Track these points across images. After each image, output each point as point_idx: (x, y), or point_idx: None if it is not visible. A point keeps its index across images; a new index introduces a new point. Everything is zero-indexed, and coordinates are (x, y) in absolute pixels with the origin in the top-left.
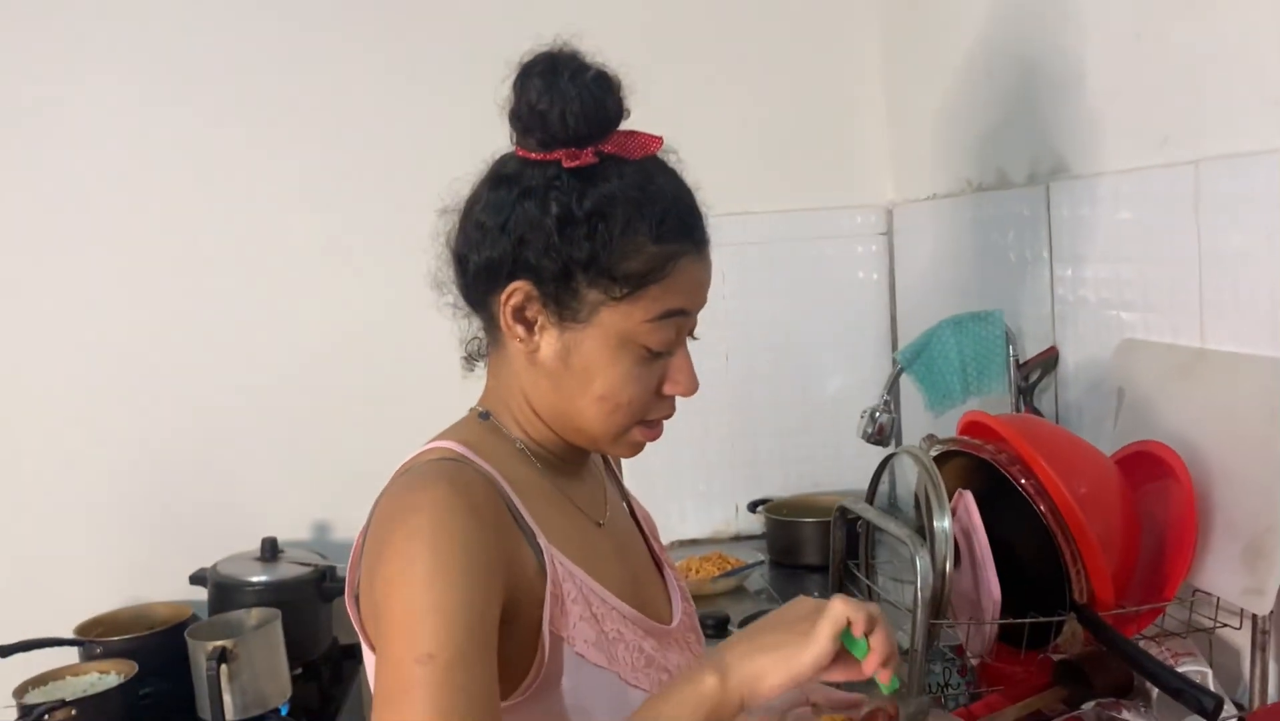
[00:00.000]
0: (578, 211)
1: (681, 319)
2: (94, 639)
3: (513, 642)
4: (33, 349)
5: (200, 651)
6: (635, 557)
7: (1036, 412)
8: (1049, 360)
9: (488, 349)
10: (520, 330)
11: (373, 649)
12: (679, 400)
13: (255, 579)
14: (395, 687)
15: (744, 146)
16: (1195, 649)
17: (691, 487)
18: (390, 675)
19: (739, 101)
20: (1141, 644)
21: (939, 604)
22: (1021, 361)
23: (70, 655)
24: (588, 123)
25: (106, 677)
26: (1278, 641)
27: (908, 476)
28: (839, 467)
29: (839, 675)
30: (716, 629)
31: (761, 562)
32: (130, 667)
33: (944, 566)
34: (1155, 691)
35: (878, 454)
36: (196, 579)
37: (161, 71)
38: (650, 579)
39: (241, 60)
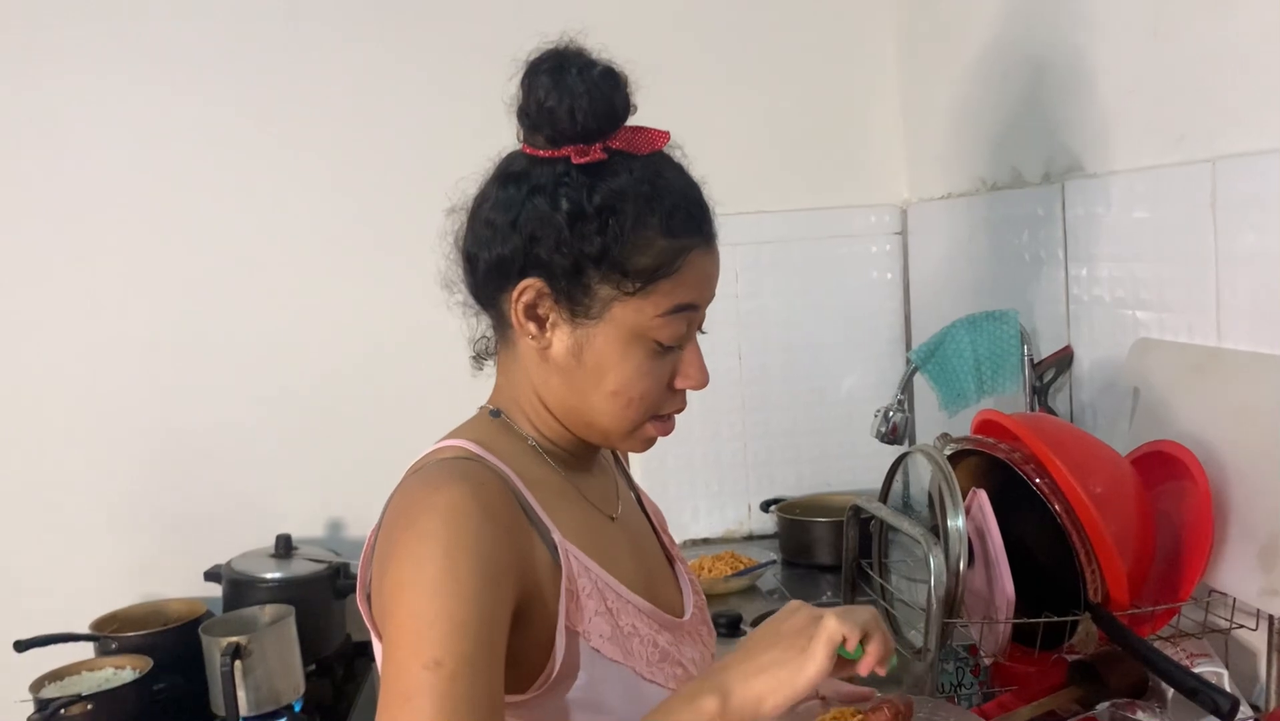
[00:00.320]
0: (588, 207)
1: (692, 313)
2: (109, 634)
3: (528, 638)
4: (50, 348)
5: (214, 647)
6: (648, 551)
7: (1051, 412)
8: (1064, 359)
9: (497, 347)
10: (532, 327)
11: (379, 637)
12: (692, 397)
13: (269, 576)
14: (400, 692)
15: (759, 145)
16: (1211, 649)
17: (704, 487)
18: (395, 679)
19: (754, 101)
20: (1156, 644)
21: (952, 603)
22: (1036, 361)
23: (86, 650)
24: (596, 119)
25: (121, 673)
26: None
27: (921, 476)
28: (852, 467)
29: (837, 673)
30: (729, 628)
31: (774, 562)
32: (145, 663)
33: (958, 565)
34: (1170, 692)
35: (891, 453)
36: (211, 575)
37: (176, 78)
38: (662, 572)
39: (254, 65)
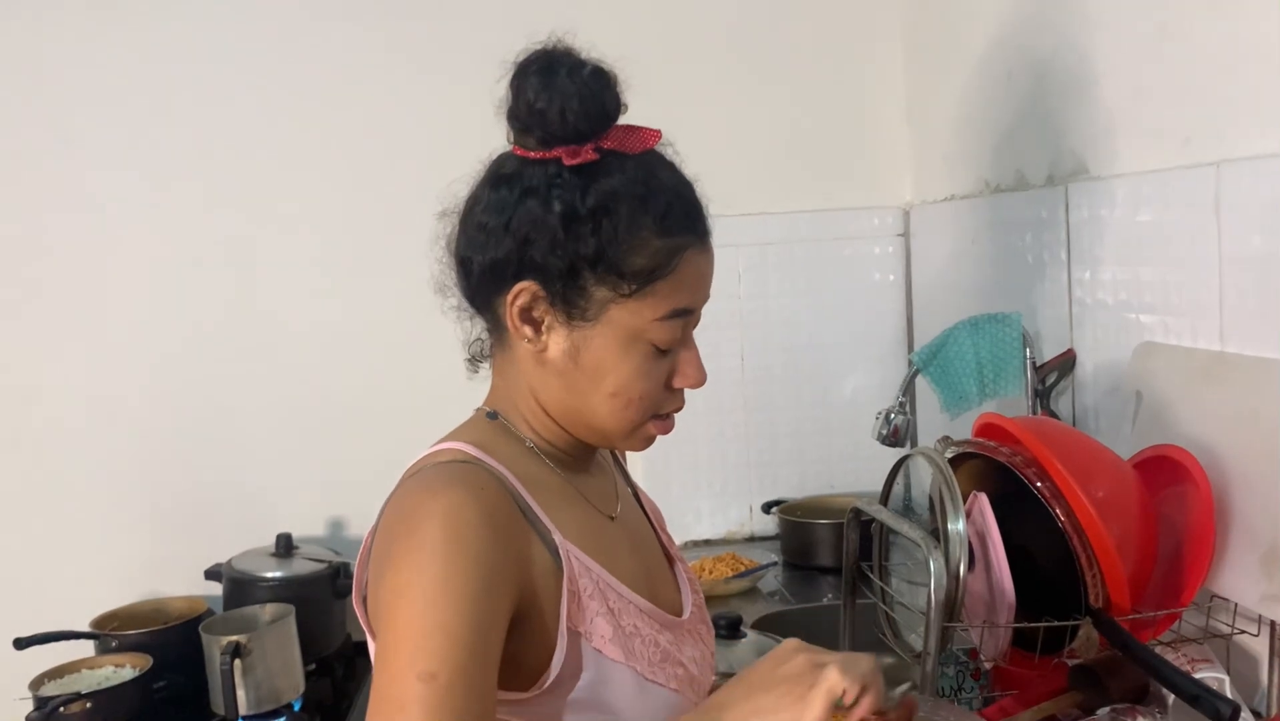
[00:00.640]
0: (582, 208)
1: (689, 316)
2: (109, 632)
3: (529, 639)
4: (50, 347)
5: (214, 646)
6: (647, 550)
7: (1053, 415)
8: (1066, 363)
9: (492, 350)
10: (528, 330)
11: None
12: (694, 397)
13: (270, 574)
14: (392, 701)
15: (763, 147)
16: (1212, 655)
17: (706, 488)
18: (388, 687)
19: (758, 102)
20: (1158, 649)
21: (952, 607)
22: (1038, 364)
23: (86, 648)
24: (587, 119)
25: (121, 671)
26: None
27: (922, 478)
28: (855, 469)
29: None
30: (729, 629)
31: (775, 564)
32: (145, 661)
33: (958, 569)
34: (1171, 697)
35: (892, 455)
36: (212, 574)
37: (176, 80)
38: (661, 571)
39: (253, 66)
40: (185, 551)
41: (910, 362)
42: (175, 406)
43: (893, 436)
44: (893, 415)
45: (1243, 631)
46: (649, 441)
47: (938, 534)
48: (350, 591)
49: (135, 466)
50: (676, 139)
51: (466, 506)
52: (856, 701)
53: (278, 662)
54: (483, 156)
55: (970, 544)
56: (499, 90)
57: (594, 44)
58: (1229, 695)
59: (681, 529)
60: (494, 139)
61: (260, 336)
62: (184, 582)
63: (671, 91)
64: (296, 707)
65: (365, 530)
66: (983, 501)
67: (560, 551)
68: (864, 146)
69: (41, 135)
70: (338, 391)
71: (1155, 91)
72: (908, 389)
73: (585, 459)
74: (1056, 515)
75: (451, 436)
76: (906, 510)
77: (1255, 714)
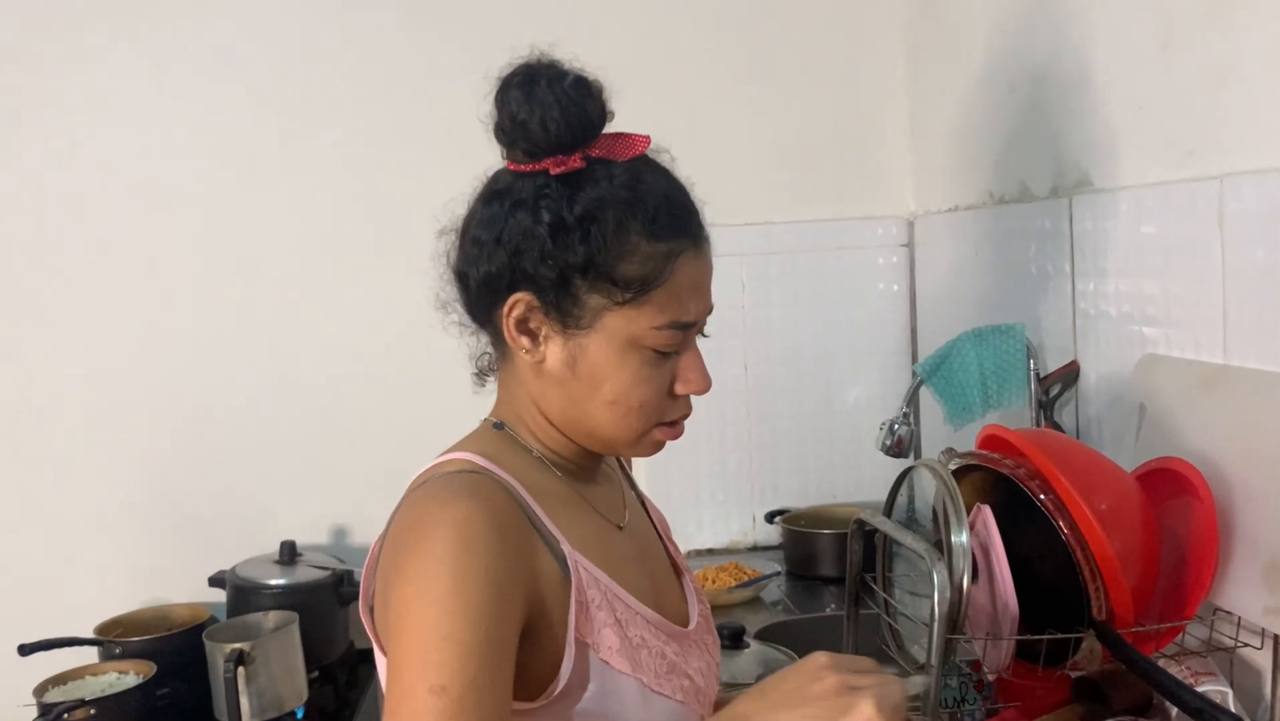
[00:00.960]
0: (569, 217)
1: (689, 329)
2: (113, 639)
3: (537, 649)
4: (53, 352)
5: (218, 653)
6: (654, 560)
7: (1057, 427)
8: (1070, 374)
9: (496, 362)
10: (525, 341)
11: (384, 651)
12: (697, 405)
13: (273, 582)
14: (406, 714)
15: (767, 157)
16: (1215, 668)
17: (709, 497)
18: (402, 701)
19: (763, 113)
20: (1161, 662)
21: (956, 618)
22: (1042, 375)
23: (90, 655)
24: (570, 128)
25: (125, 678)
26: None
27: (926, 489)
28: (857, 479)
29: None
30: (732, 639)
31: (778, 573)
32: (149, 668)
33: (961, 580)
34: (1174, 710)
35: (896, 466)
36: (215, 581)
37: (184, 80)
38: (668, 581)
39: (263, 66)
40: (189, 558)
41: (914, 373)
42: (179, 414)
43: (896, 447)
44: (897, 426)
45: (1246, 644)
46: (657, 447)
47: (941, 545)
48: (354, 599)
49: (139, 473)
50: (680, 149)
51: (475, 516)
52: None
53: (281, 670)
54: (485, 169)
55: (974, 555)
56: (485, 106)
57: (592, 54)
58: (1232, 708)
59: (684, 538)
60: (493, 157)
61: (265, 345)
62: (187, 590)
63: (675, 102)
64: (300, 715)
65: (369, 538)
66: (986, 513)
67: (568, 561)
68: (867, 157)
69: (45, 135)
70: (342, 400)
71: (1158, 104)
72: (911, 399)
73: (592, 468)
74: (1060, 527)
75: (459, 446)
76: (910, 521)
77: None
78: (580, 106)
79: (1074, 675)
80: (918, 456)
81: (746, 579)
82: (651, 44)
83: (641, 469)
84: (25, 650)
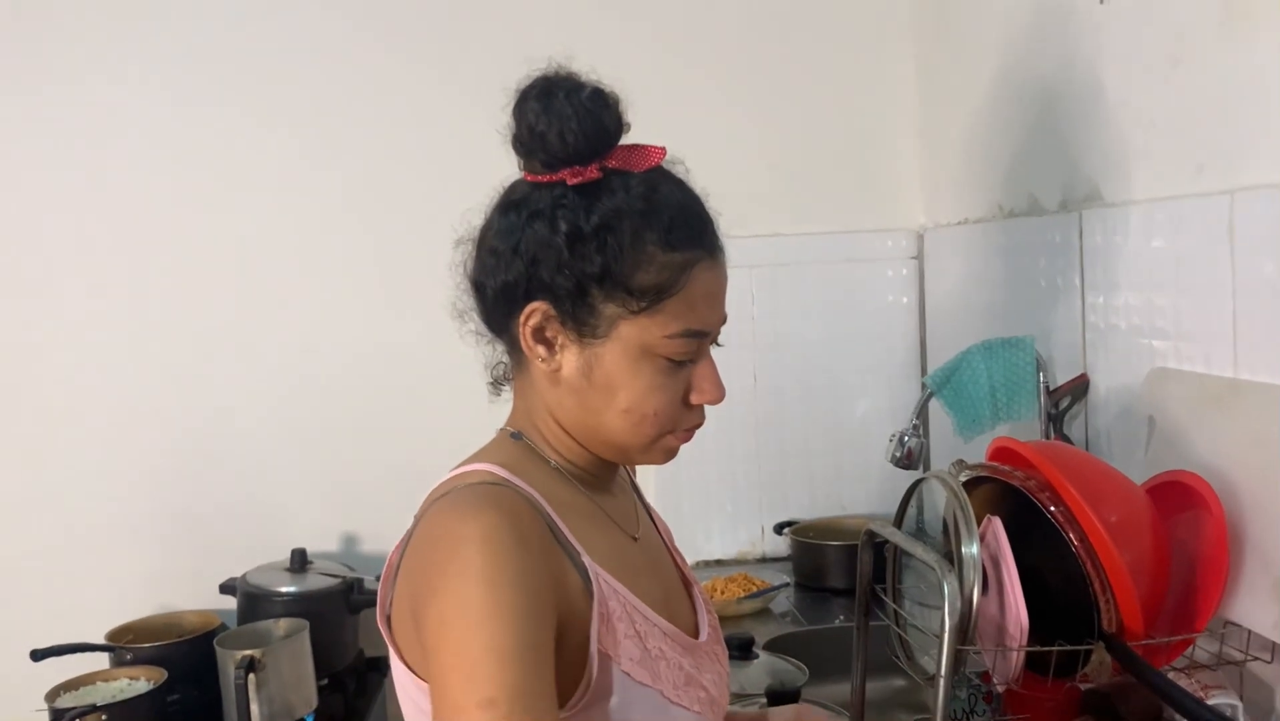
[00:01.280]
0: (585, 227)
1: (702, 338)
2: (125, 645)
3: (560, 662)
4: (65, 358)
5: (229, 660)
6: (665, 571)
7: (1066, 440)
8: (1079, 387)
9: (512, 371)
10: (541, 350)
11: (407, 666)
12: (707, 415)
13: (284, 589)
14: None
15: (778, 169)
16: (1225, 681)
17: (718, 508)
18: (451, 719)
19: (773, 125)
20: (1171, 675)
21: (966, 629)
22: (1052, 388)
23: (101, 660)
24: (587, 140)
25: (136, 684)
26: None
27: (936, 501)
28: (866, 491)
29: None
30: (741, 650)
31: (787, 585)
32: (159, 674)
33: (971, 592)
34: None
35: (906, 478)
36: (226, 588)
37: (192, 83)
38: (678, 592)
39: (271, 72)
40: (200, 565)
41: (924, 385)
42: (190, 421)
43: (906, 459)
44: (906, 437)
45: (1256, 658)
46: (670, 454)
47: (951, 557)
48: (364, 607)
49: (150, 480)
50: (691, 161)
51: (503, 528)
52: None
53: (291, 677)
54: (502, 178)
55: (984, 567)
56: (503, 118)
57: (605, 67)
58: None
59: (693, 549)
60: (514, 160)
61: (277, 352)
62: (198, 596)
63: (686, 114)
64: None
65: (379, 546)
66: (996, 525)
67: (590, 573)
68: (878, 169)
69: (47, 142)
70: (353, 408)
71: (1168, 119)
72: (921, 411)
73: (607, 478)
74: (1070, 539)
75: (478, 457)
76: (919, 533)
77: None
78: (597, 118)
79: (1083, 687)
80: (927, 468)
81: (755, 590)
82: (662, 57)
83: (651, 479)
84: (37, 655)
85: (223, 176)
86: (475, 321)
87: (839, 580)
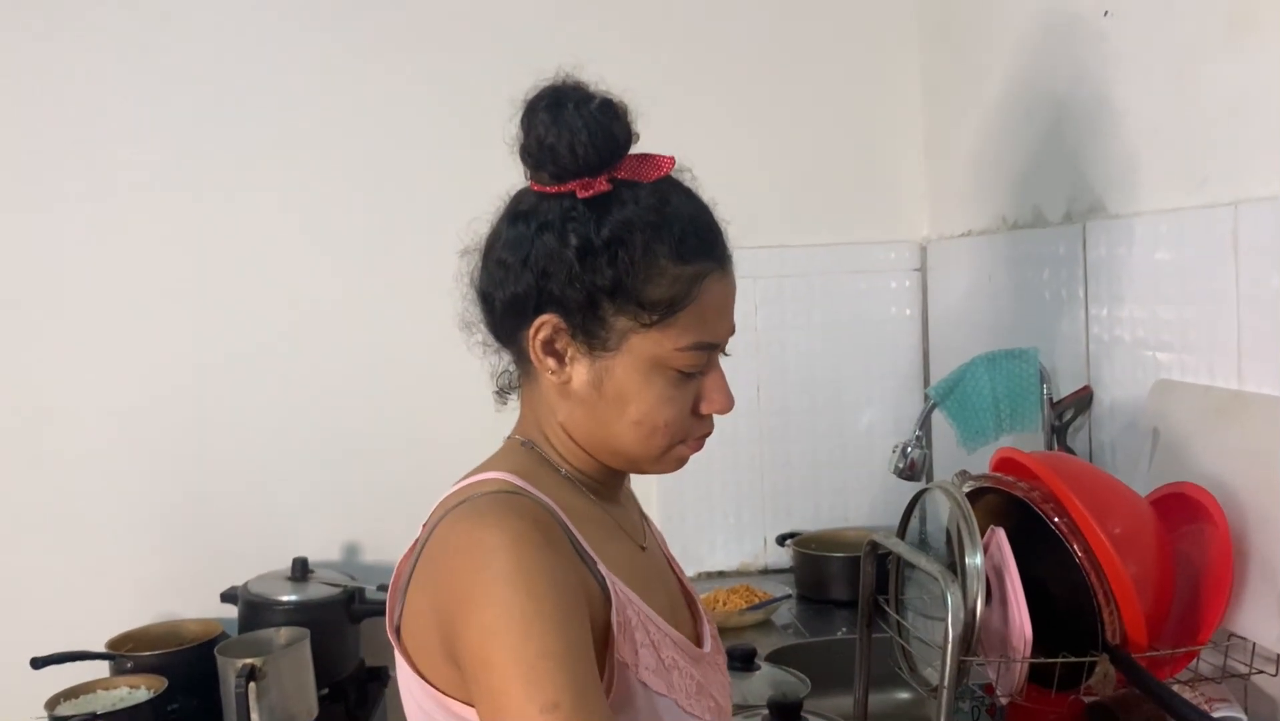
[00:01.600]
0: (596, 240)
1: (712, 350)
2: (125, 653)
3: None
4: (67, 368)
5: (229, 669)
6: (669, 581)
7: (1070, 452)
8: (1083, 399)
9: (519, 381)
10: (551, 363)
11: (420, 675)
12: (712, 426)
13: (285, 598)
14: None
15: (781, 180)
16: (1230, 694)
17: (721, 519)
18: None
19: (776, 135)
20: (1175, 687)
21: (969, 641)
22: (1055, 400)
23: (101, 669)
24: (597, 151)
25: (136, 692)
26: None
27: (939, 513)
28: (870, 502)
29: None
30: (743, 661)
31: (789, 596)
32: (160, 683)
33: (975, 603)
34: None
35: (909, 489)
36: (227, 597)
37: (190, 96)
38: (680, 602)
39: (282, 81)
40: (201, 573)
41: (927, 396)
42: (192, 428)
43: (909, 470)
44: (909, 449)
45: (1260, 671)
46: (681, 463)
47: (955, 568)
48: (365, 616)
49: (152, 488)
50: (695, 171)
51: (530, 535)
52: None
53: (292, 686)
54: (507, 188)
55: (987, 578)
56: (511, 129)
57: (612, 79)
58: None
59: (695, 560)
60: (518, 170)
61: (278, 360)
62: (199, 605)
63: (689, 124)
64: None
65: (381, 556)
66: (1000, 536)
67: (607, 582)
68: (882, 181)
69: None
70: (355, 417)
71: (1173, 131)
72: (924, 423)
73: (616, 487)
74: (1074, 551)
75: (489, 465)
76: (922, 544)
77: None
78: (607, 130)
79: (1087, 700)
80: (930, 479)
81: (757, 601)
82: (662, 66)
83: (654, 490)
84: (37, 663)
85: (227, 184)
86: (482, 332)
87: (841, 592)
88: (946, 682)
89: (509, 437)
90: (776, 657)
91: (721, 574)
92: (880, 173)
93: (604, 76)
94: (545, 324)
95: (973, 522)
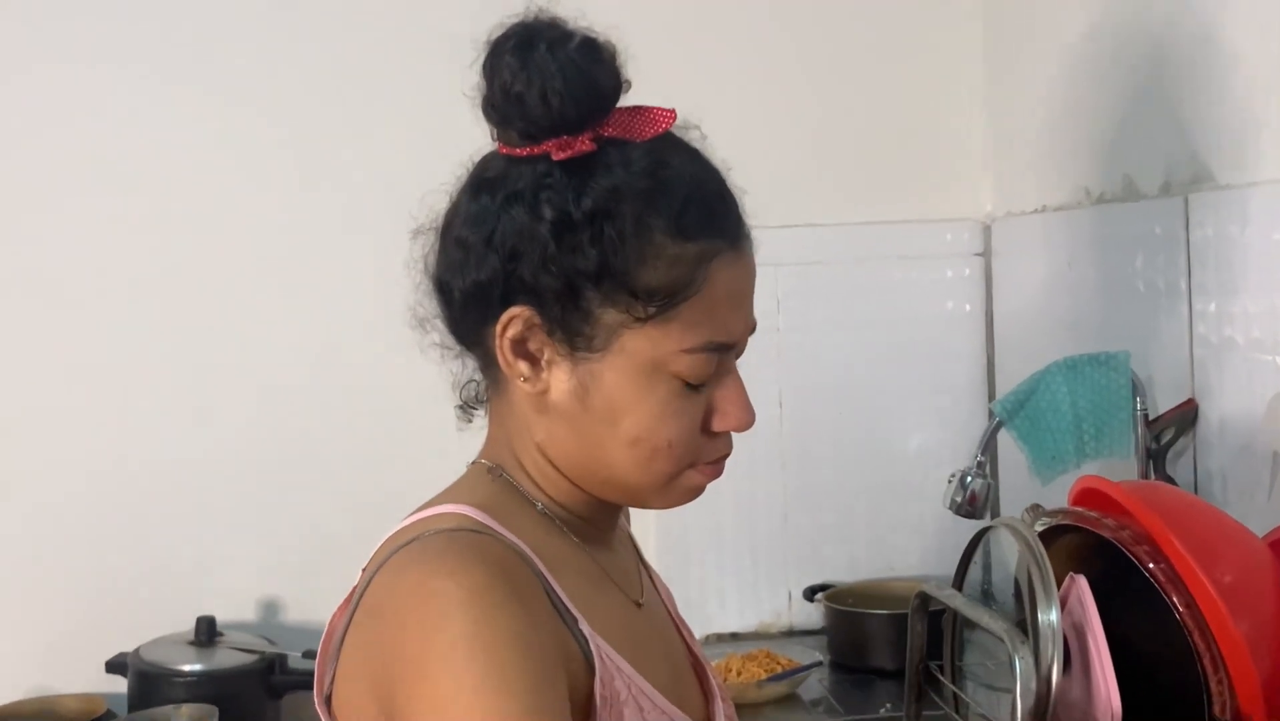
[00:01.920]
0: (576, 213)
1: (725, 352)
2: None
3: None
4: None
5: None
6: (672, 646)
7: (1169, 481)
8: (1186, 416)
9: (487, 393)
10: (523, 366)
11: None
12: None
13: (187, 667)
14: None
15: (811, 144)
16: None
17: (734, 567)
18: None
19: (802, 86)
20: None
21: (1043, 716)
22: (1152, 417)
23: None
24: (575, 102)
25: None
26: None
27: (1006, 558)
28: (920, 546)
29: None
30: None
31: (820, 664)
32: None
33: (1050, 670)
34: None
35: (969, 528)
36: (114, 666)
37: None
38: (686, 672)
39: (210, 38)
40: (83, 639)
41: (991, 413)
42: (76, 465)
43: (969, 504)
44: (969, 478)
45: None
46: (694, 493)
47: (1025, 626)
48: (287, 690)
49: (24, 536)
50: (702, 129)
51: (493, 587)
52: None
53: None
54: (471, 153)
55: (1065, 639)
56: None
57: (598, 14)
58: None
59: (703, 619)
60: (483, 138)
61: (182, 380)
62: (80, 677)
63: (700, 76)
64: None
65: (305, 615)
66: (1081, 586)
67: (590, 646)
68: (935, 143)
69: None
70: (277, 450)
71: None
72: (988, 446)
73: (607, 527)
74: (1174, 604)
75: (446, 497)
76: (985, 597)
77: None
78: (588, 75)
79: None
80: (995, 516)
81: (780, 670)
82: (672, 8)
83: (650, 531)
84: None
85: (140, 198)
86: (439, 331)
87: (885, 659)
88: None
89: (473, 462)
90: None
91: (735, 636)
92: (932, 133)
93: (586, 12)
94: (515, 318)
95: (1047, 569)
